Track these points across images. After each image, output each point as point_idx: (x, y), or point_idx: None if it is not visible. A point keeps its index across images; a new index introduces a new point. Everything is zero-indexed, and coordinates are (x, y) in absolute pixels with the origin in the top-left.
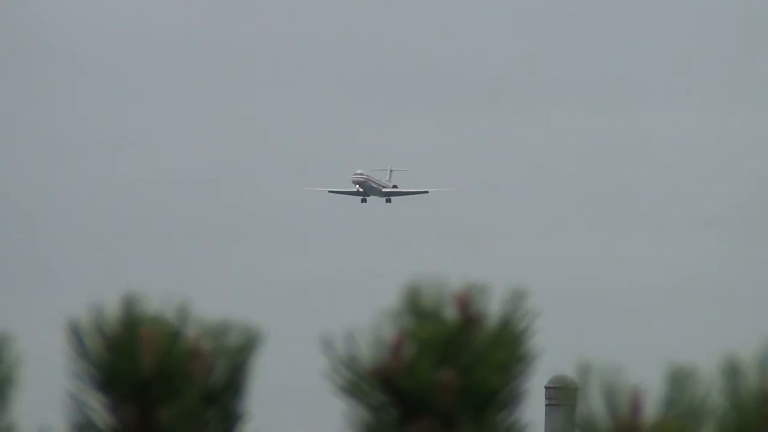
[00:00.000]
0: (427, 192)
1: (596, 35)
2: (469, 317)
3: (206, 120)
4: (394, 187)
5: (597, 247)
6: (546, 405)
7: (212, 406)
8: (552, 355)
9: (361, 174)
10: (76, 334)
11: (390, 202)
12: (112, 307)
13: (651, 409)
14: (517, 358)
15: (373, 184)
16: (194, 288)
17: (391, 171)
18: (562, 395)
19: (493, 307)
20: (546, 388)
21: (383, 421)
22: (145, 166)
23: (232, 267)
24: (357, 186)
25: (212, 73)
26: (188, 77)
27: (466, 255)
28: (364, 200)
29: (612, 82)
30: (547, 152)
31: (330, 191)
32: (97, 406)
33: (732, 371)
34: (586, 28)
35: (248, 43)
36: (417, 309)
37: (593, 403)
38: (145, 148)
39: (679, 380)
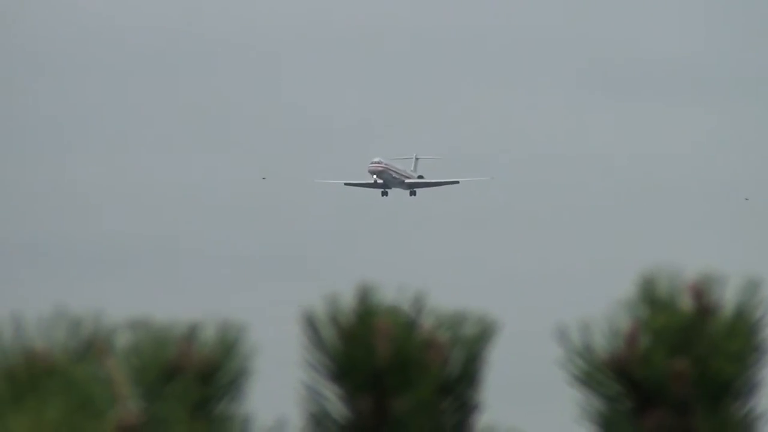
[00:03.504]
0: (457, 182)
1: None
2: (703, 307)
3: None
4: (420, 177)
5: None
6: None
7: (447, 397)
8: None
9: (378, 163)
10: (311, 324)
11: (415, 194)
12: (347, 298)
13: None
14: (752, 348)
15: (395, 175)
16: (429, 279)
17: (416, 159)
18: None
19: (728, 297)
20: None
21: (618, 411)
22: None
23: (464, 257)
24: (374, 177)
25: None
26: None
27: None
28: (385, 193)
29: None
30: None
31: (346, 183)
32: (332, 397)
33: None
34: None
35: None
36: (651, 299)
37: None
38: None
39: None
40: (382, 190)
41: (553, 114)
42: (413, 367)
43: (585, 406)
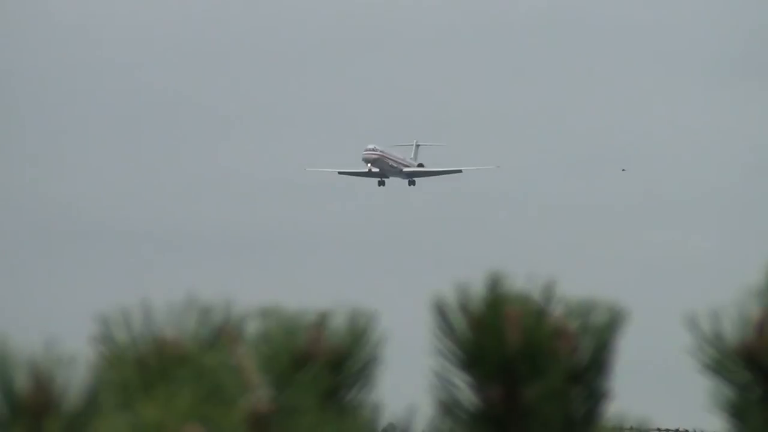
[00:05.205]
0: (460, 171)
1: None
2: None
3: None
4: (420, 165)
5: None
6: None
7: (577, 385)
8: None
9: (373, 150)
10: (441, 312)
11: (414, 184)
12: (477, 286)
13: None
14: None
15: (392, 163)
16: (558, 267)
17: (417, 146)
18: None
19: None
20: None
21: (748, 398)
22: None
23: (596, 244)
24: (369, 165)
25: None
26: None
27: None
28: (382, 183)
29: None
30: None
31: (340, 172)
32: (462, 386)
33: None
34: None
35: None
36: None
37: None
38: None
39: None
40: (379, 179)
41: (670, 99)
42: (543, 356)
43: (715, 394)
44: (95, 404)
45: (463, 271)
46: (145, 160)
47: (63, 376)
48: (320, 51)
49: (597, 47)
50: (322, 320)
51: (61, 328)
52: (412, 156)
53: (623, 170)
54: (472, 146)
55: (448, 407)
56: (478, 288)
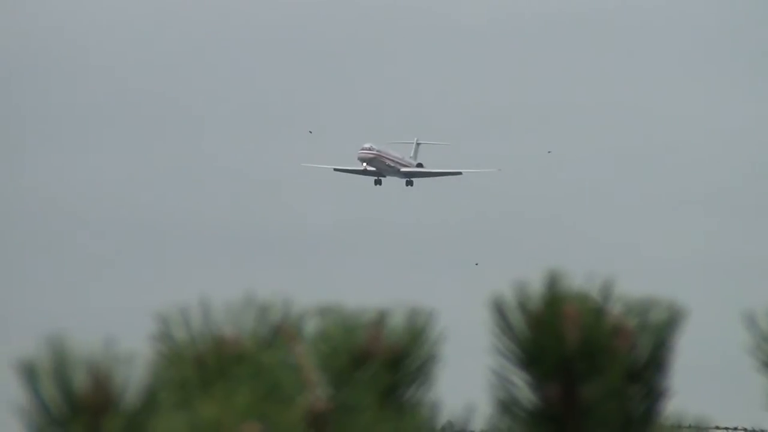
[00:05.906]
0: (460, 173)
1: None
2: None
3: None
4: (419, 165)
5: None
6: None
7: (635, 383)
8: None
9: (369, 149)
10: (500, 311)
11: (411, 184)
12: (535, 284)
13: None
14: None
15: (390, 162)
16: (616, 264)
17: (417, 144)
18: None
19: None
20: None
21: None
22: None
23: (654, 242)
24: (364, 164)
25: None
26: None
27: None
28: (378, 182)
29: None
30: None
31: (335, 169)
32: (521, 384)
33: None
34: None
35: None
36: None
37: None
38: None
39: None
40: (376, 178)
41: (675, 99)
42: (602, 354)
43: None
44: (154, 403)
45: (497, 270)
46: (144, 161)
47: (122, 374)
48: (320, 51)
49: (599, 46)
50: (380, 319)
51: (119, 326)
52: (411, 154)
53: (549, 152)
54: (477, 147)
55: (507, 405)
56: (536, 286)
